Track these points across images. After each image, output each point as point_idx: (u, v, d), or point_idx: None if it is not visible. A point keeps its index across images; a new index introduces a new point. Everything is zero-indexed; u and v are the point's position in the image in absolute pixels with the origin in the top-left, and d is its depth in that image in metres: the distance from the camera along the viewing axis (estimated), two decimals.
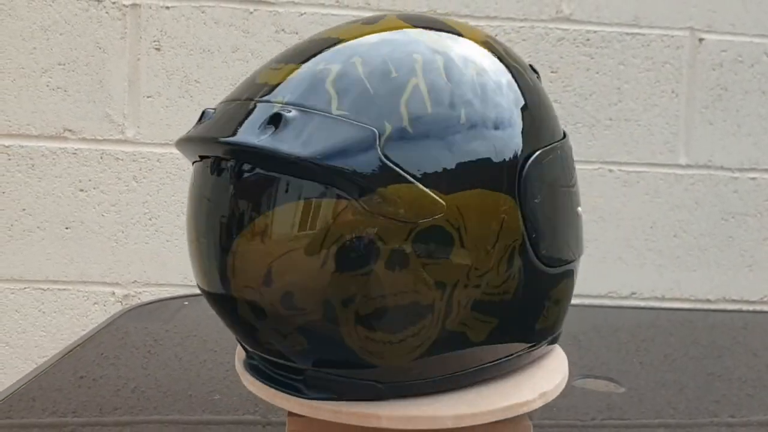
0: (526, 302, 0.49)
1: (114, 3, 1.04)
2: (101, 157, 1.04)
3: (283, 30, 1.05)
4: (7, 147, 1.03)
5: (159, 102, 1.05)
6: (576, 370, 0.86)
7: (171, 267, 1.06)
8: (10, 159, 1.03)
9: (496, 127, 0.46)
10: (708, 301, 1.13)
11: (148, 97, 1.05)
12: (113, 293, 1.06)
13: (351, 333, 0.44)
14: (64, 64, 1.04)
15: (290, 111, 0.43)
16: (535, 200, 0.47)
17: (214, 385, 0.84)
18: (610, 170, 1.10)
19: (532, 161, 0.47)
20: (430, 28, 0.50)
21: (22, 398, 0.75)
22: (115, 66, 1.04)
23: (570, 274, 0.53)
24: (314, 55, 0.47)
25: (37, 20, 1.03)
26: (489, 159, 0.45)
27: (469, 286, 0.45)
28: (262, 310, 0.45)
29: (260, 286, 0.44)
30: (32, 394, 0.76)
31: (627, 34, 1.09)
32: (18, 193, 1.04)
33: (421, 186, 0.42)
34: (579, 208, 0.53)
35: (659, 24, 1.09)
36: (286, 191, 0.43)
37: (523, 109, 0.49)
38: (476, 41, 0.50)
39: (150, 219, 1.06)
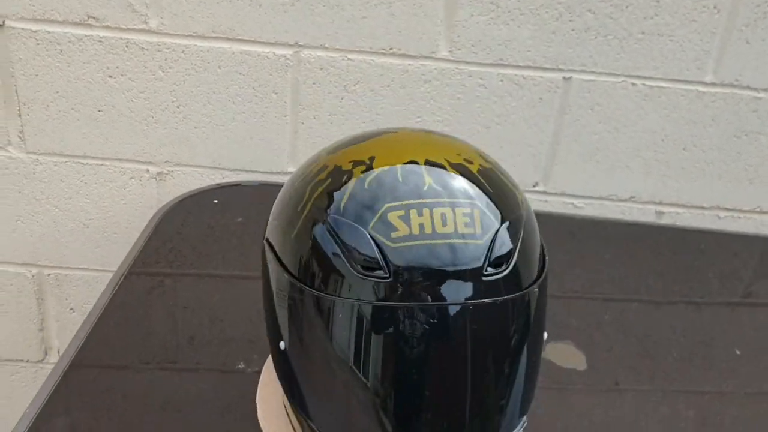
0: None
1: None
2: (126, 46, 1.05)
3: None
4: (35, 32, 1.04)
5: None
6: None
7: (200, 151, 1.13)
8: (38, 44, 1.04)
9: None
10: (702, 207, 1.19)
11: None
12: (147, 170, 1.14)
13: None
14: None
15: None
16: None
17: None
18: (633, 84, 1.09)
19: None
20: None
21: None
22: None
23: None
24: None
25: None
26: None
27: None
28: None
29: None
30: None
31: None
32: (50, 77, 1.07)
33: None
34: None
35: None
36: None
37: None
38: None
39: (178, 107, 1.09)
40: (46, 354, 1.29)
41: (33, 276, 1.22)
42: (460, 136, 1.11)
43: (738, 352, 0.95)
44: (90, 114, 1.10)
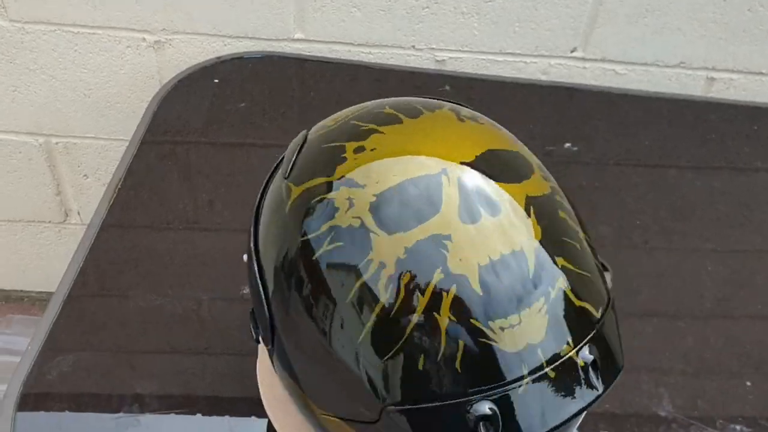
0: None
1: None
2: None
3: None
4: None
5: None
6: None
7: (197, 17, 1.02)
8: None
9: None
10: (761, 74, 1.06)
11: None
12: (144, 39, 1.04)
13: None
14: None
15: None
16: None
17: None
18: None
19: None
20: None
21: None
22: None
23: None
24: None
25: None
26: None
27: None
28: None
29: None
30: None
31: None
32: None
33: None
34: None
35: None
36: None
37: None
38: None
39: None
40: (66, 216, 1.29)
41: (40, 145, 1.17)
42: None
43: None
44: None
